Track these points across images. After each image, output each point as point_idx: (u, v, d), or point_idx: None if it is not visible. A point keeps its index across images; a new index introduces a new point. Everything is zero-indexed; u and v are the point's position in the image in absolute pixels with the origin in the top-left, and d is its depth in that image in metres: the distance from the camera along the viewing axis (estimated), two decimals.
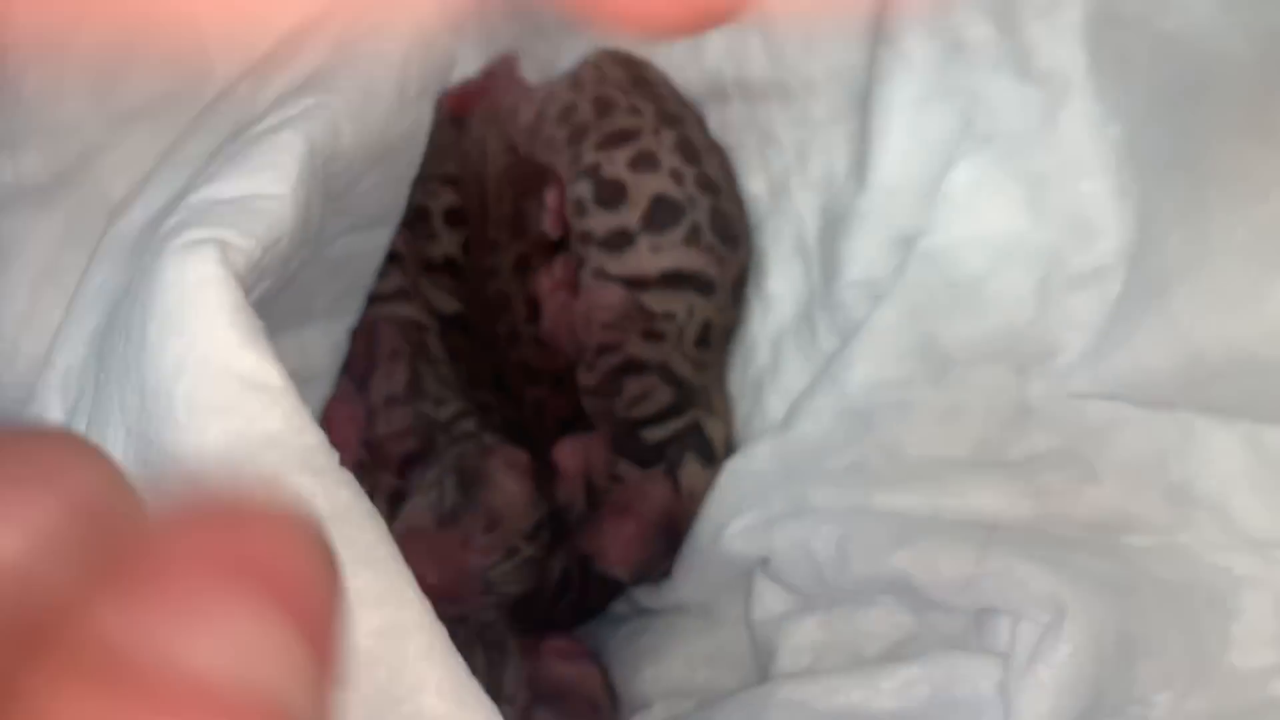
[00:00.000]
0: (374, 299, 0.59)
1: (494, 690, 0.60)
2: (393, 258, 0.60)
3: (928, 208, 0.58)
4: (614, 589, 0.69)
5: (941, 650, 0.50)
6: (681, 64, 0.69)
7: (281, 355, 0.48)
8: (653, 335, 0.62)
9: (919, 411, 0.56)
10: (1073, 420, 0.54)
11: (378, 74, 0.43)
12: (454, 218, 0.73)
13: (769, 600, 0.57)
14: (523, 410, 0.68)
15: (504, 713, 0.60)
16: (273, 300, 0.41)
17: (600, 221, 0.64)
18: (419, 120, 0.46)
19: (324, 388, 0.52)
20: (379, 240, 0.49)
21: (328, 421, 0.53)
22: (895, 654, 0.51)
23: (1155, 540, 0.52)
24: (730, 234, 0.64)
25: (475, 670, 0.59)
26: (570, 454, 0.64)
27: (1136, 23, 0.54)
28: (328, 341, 0.51)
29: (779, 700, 0.51)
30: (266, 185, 0.37)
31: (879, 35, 0.60)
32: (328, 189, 0.41)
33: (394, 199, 0.48)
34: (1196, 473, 0.52)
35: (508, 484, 0.59)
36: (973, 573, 0.48)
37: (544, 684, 0.62)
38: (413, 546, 0.56)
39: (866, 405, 0.56)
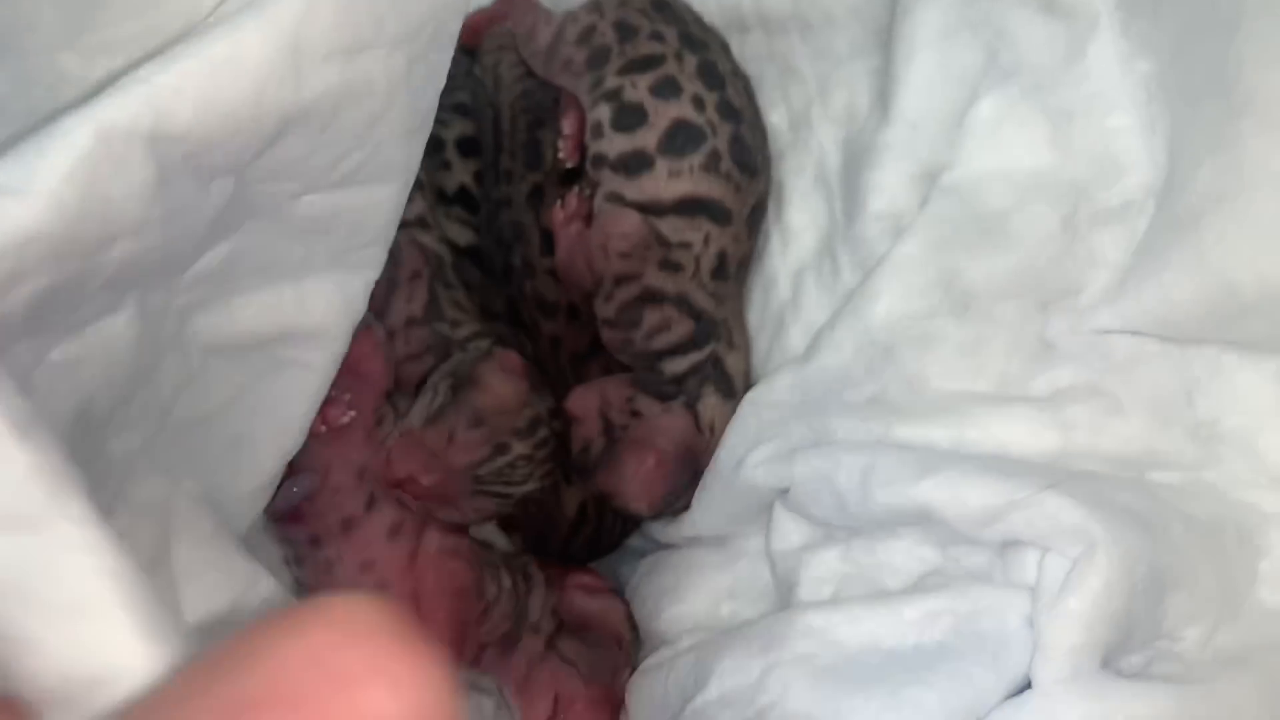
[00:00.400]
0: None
1: (520, 616, 0.60)
2: (417, 185, 0.59)
3: (952, 141, 0.57)
4: (631, 524, 0.68)
5: (967, 583, 0.49)
6: None
7: (278, 307, 0.47)
8: (670, 265, 0.61)
9: (941, 345, 0.55)
10: (1097, 355, 0.54)
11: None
12: (467, 147, 0.71)
13: (789, 531, 0.56)
14: (538, 344, 0.67)
15: (530, 641, 0.59)
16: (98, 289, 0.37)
17: (617, 144, 0.62)
18: (375, 74, 0.42)
19: (335, 345, 0.50)
20: (376, 196, 0.46)
21: (354, 356, 0.51)
22: (919, 587, 0.51)
23: (1182, 477, 0.52)
24: (749, 163, 0.62)
25: (503, 592, 0.59)
26: (584, 399, 0.63)
27: None
28: (338, 295, 0.49)
29: (800, 628, 0.50)
30: (13, 181, 0.33)
31: None
32: (204, 164, 0.38)
33: (389, 156, 0.45)
34: (1224, 409, 0.52)
35: (495, 382, 0.57)
36: (1000, 504, 0.47)
37: (569, 616, 0.62)
38: (403, 447, 0.55)
39: (889, 338, 0.55)
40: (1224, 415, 0.52)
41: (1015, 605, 0.48)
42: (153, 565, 0.45)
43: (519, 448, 0.57)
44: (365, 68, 0.41)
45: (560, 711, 0.59)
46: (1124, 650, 0.47)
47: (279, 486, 0.53)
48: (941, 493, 0.49)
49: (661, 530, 0.65)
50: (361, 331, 0.51)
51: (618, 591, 0.65)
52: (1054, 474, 0.48)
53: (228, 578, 0.48)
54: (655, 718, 0.55)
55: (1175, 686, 0.45)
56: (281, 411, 0.51)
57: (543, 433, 0.59)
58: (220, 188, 0.40)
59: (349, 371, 0.52)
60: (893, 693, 0.46)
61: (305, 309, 0.48)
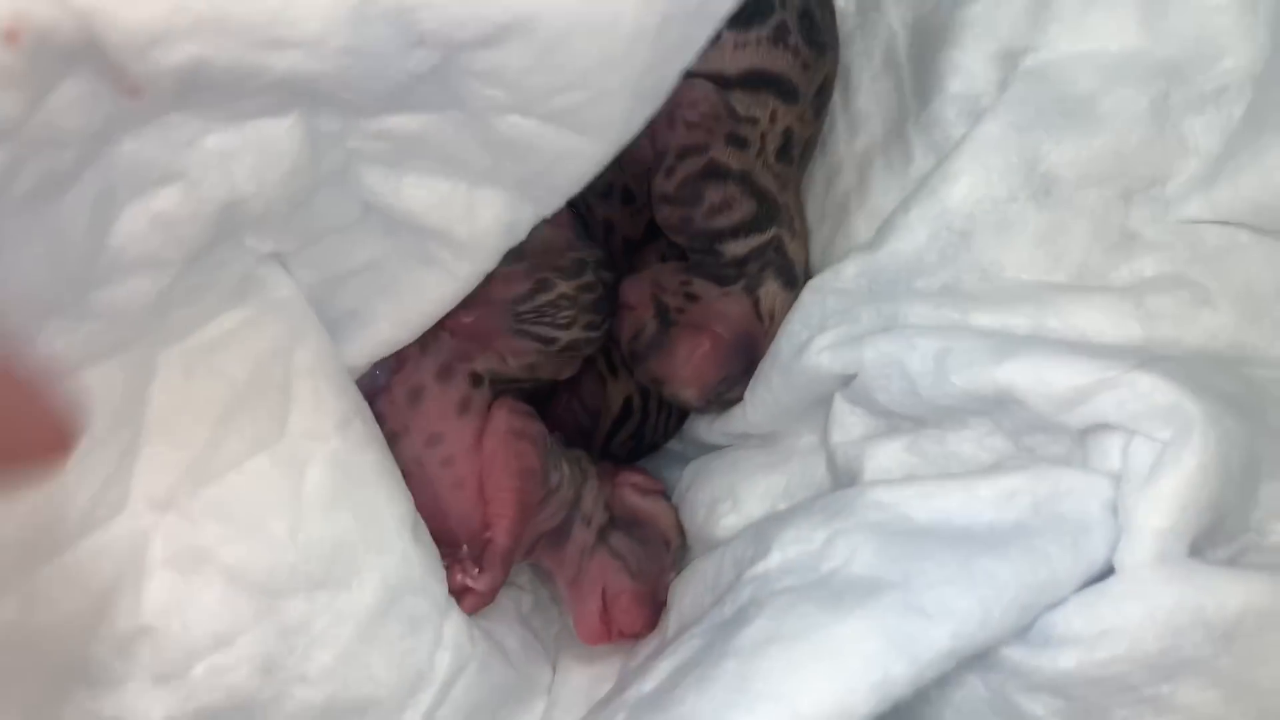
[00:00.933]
0: None
1: (574, 506, 0.58)
2: None
3: (1035, 21, 0.54)
4: (675, 422, 0.66)
5: (1044, 465, 0.47)
6: None
7: (447, 203, 0.46)
8: (736, 140, 0.58)
9: (1020, 231, 0.53)
10: (1184, 245, 0.51)
11: None
12: None
13: (851, 424, 0.54)
14: (590, 229, 0.64)
15: (580, 532, 0.57)
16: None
17: None
18: (624, 14, 0.38)
19: (483, 262, 0.49)
20: (580, 148, 0.43)
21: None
22: (995, 468, 0.48)
23: (1268, 372, 0.49)
24: (817, 39, 0.59)
25: (564, 479, 0.57)
26: (636, 284, 0.61)
27: None
28: (506, 217, 0.48)
29: (868, 501, 0.48)
30: None
31: None
32: (409, 22, 0.37)
33: (609, 111, 0.42)
34: None
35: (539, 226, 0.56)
36: (1087, 384, 0.45)
37: (620, 512, 0.60)
38: None
39: (965, 223, 0.53)
40: None
41: (1098, 491, 0.45)
42: (273, 356, 0.47)
43: (562, 286, 0.56)
44: (615, 2, 0.38)
45: (607, 605, 0.57)
46: (1212, 541, 0.44)
47: None
48: (1024, 374, 0.46)
49: (708, 428, 0.63)
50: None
51: (666, 495, 0.63)
52: (1143, 355, 0.46)
53: (336, 397, 0.49)
54: (706, 596, 0.53)
55: (1271, 574, 0.42)
56: (409, 304, 0.50)
57: (588, 276, 0.57)
58: (421, 58, 0.39)
59: None
60: (965, 562, 0.43)
61: (472, 216, 0.47)
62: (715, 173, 0.58)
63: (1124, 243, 0.52)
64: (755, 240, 0.58)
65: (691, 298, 0.59)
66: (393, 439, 0.53)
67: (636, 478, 0.62)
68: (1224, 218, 0.51)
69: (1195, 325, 0.49)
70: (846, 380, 0.53)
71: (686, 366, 0.58)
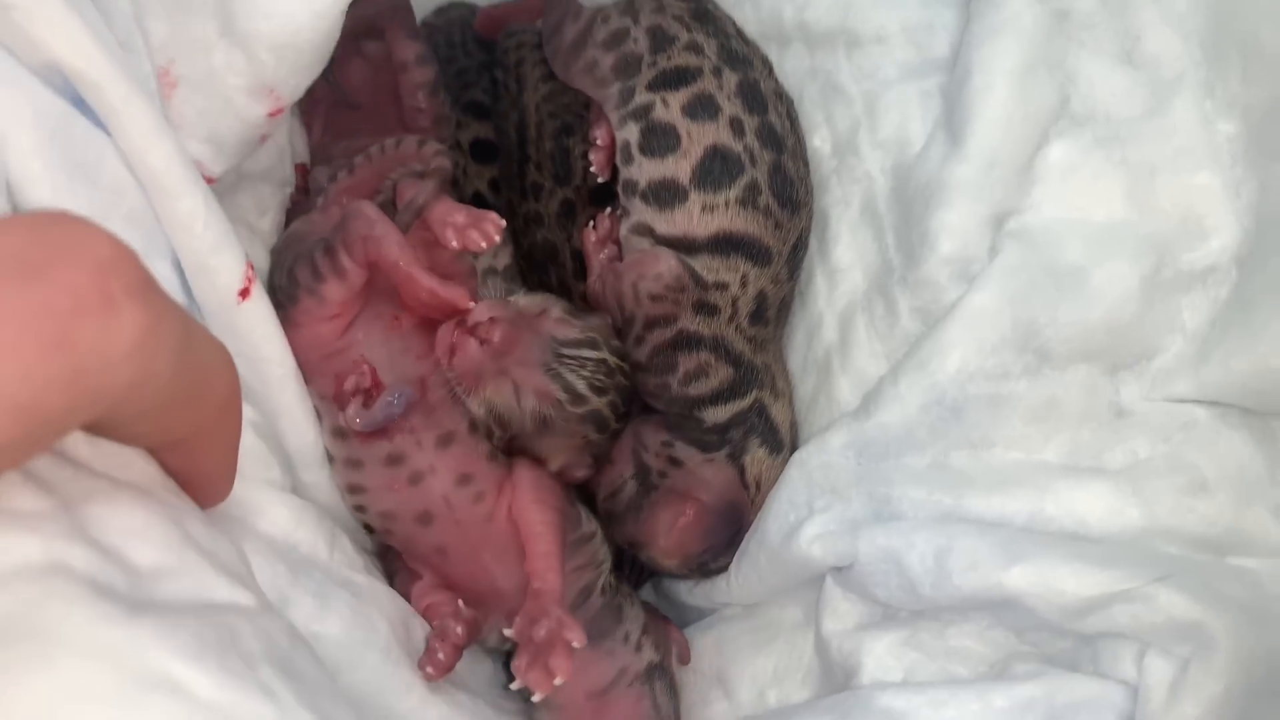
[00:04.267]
0: None
1: (601, 564, 0.57)
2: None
3: (1021, 185, 0.53)
4: (650, 575, 0.63)
5: (1058, 672, 0.46)
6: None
7: None
8: (705, 308, 0.55)
9: (1012, 407, 0.51)
10: (1176, 426, 0.51)
11: None
12: (483, 151, 0.64)
13: (844, 612, 0.52)
14: None
15: (621, 648, 0.55)
16: None
17: (647, 170, 0.56)
18: None
19: None
20: None
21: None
22: (1004, 674, 0.47)
23: (1263, 562, 0.49)
24: (791, 197, 0.57)
25: (596, 536, 0.57)
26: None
27: (1265, 11, 0.50)
28: None
29: (878, 708, 0.46)
30: None
31: None
32: None
33: None
34: None
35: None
36: (1101, 595, 0.44)
37: (669, 665, 0.58)
38: (495, 302, 0.54)
39: (958, 397, 0.51)
40: None
41: (1114, 700, 0.44)
42: None
43: (608, 353, 0.55)
44: None
45: None
46: None
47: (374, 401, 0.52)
48: (1032, 581, 0.45)
49: (689, 592, 0.60)
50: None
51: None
52: (1159, 563, 0.45)
53: None
54: None
55: None
56: None
57: (622, 375, 0.56)
58: None
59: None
60: None
61: None
62: (686, 342, 0.56)
63: (1116, 420, 0.51)
64: (736, 406, 0.56)
65: (674, 462, 0.56)
66: (416, 478, 0.53)
67: (685, 647, 0.59)
68: (1214, 398, 0.50)
69: (1193, 514, 0.49)
70: (840, 568, 0.51)
71: (669, 536, 0.55)
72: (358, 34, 0.63)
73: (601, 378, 0.54)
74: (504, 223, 0.53)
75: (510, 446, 0.55)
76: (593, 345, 0.54)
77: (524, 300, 0.55)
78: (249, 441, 0.49)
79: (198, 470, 0.37)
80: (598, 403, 0.54)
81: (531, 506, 0.54)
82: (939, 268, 0.53)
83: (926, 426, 0.52)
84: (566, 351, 0.53)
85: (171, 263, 0.46)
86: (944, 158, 0.53)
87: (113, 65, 0.42)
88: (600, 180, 0.60)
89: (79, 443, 0.32)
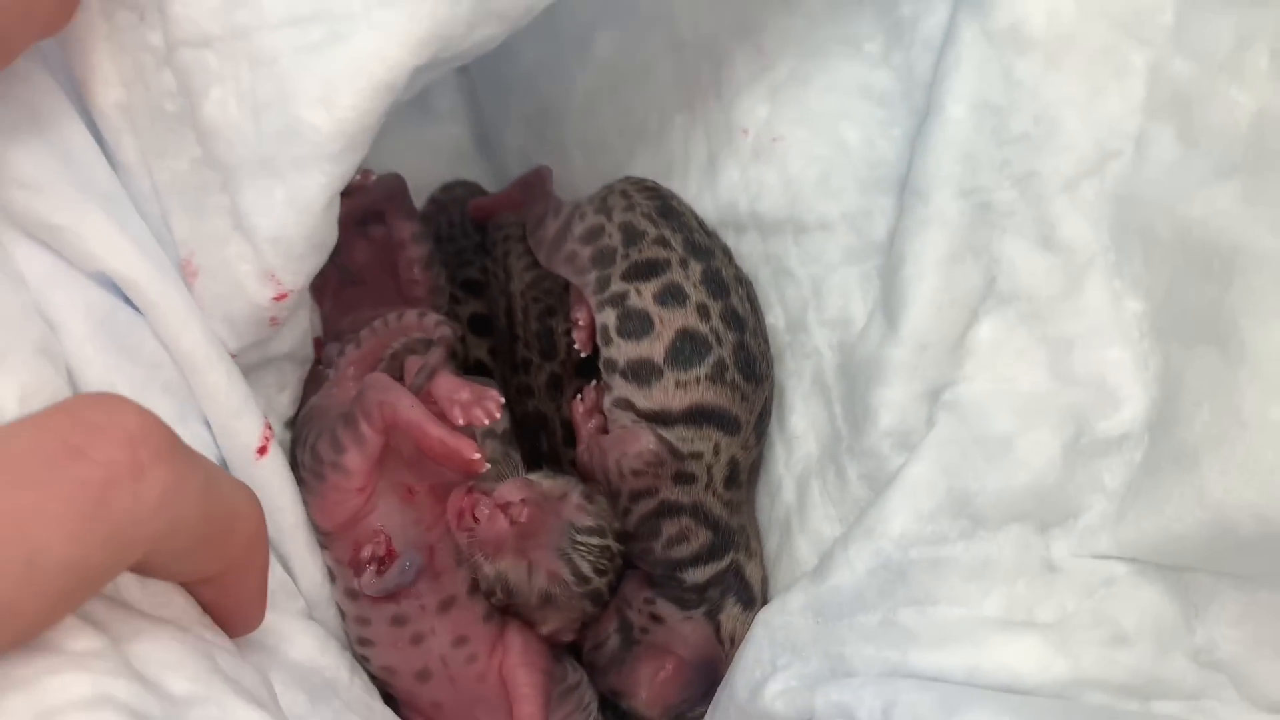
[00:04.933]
0: None
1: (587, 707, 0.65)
2: None
3: (954, 359, 0.59)
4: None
5: None
6: (697, 192, 0.69)
7: None
8: (684, 477, 0.61)
9: (951, 568, 0.56)
10: (1099, 581, 0.55)
11: None
12: (480, 324, 0.71)
13: None
14: None
15: None
16: None
17: (626, 350, 0.63)
18: None
19: None
20: None
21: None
22: None
23: (1182, 706, 0.53)
24: (754, 371, 0.63)
25: (583, 685, 0.64)
26: None
27: (1159, 206, 0.55)
28: None
29: None
30: None
31: (909, 188, 0.61)
32: None
33: None
34: (1222, 636, 0.53)
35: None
36: None
37: None
38: (519, 482, 0.60)
39: (901, 561, 0.56)
40: (1222, 642, 0.53)
41: None
42: None
43: (613, 541, 0.61)
44: None
45: None
46: None
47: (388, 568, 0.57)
48: None
49: None
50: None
51: None
52: (1086, 714, 0.49)
53: None
54: None
55: None
56: None
57: (620, 557, 0.62)
58: None
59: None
60: None
61: None
62: (668, 510, 0.61)
63: (1048, 574, 0.56)
64: (715, 568, 0.62)
65: (656, 619, 0.62)
66: (417, 639, 0.59)
67: None
68: (1132, 555, 0.55)
69: (1115, 665, 0.53)
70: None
71: (650, 688, 0.60)
72: (363, 219, 0.71)
73: (605, 561, 0.60)
74: (503, 399, 0.60)
75: (507, 608, 0.60)
76: (601, 533, 0.60)
77: (547, 483, 0.61)
78: (279, 575, 0.56)
79: (230, 602, 0.43)
80: (599, 583, 0.60)
81: (519, 669, 0.60)
82: (881, 439, 0.59)
83: (875, 588, 0.57)
84: (580, 539, 0.59)
85: (203, 423, 0.54)
86: (882, 339, 0.60)
87: (148, 266, 0.50)
88: (583, 355, 0.67)
89: (130, 585, 0.38)
